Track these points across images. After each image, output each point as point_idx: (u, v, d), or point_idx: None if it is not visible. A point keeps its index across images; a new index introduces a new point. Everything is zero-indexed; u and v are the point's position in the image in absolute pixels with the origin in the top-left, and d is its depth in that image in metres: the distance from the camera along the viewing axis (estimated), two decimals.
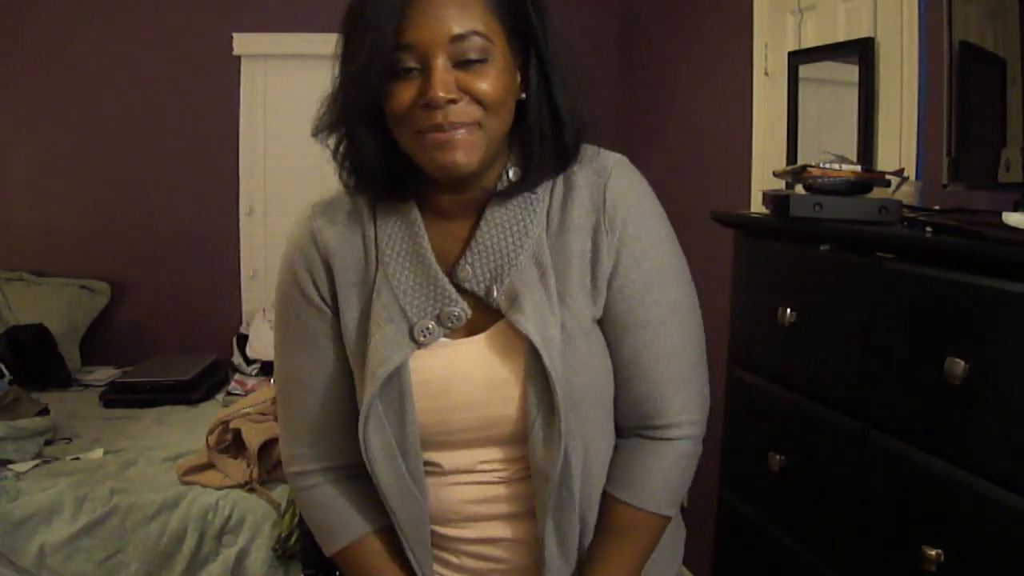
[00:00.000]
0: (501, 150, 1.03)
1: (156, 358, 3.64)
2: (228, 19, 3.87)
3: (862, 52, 2.00)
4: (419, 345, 1.03)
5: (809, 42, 2.29)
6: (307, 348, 1.09)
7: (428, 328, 1.02)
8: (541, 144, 1.02)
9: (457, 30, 0.93)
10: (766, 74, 2.51)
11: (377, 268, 1.04)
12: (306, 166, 3.85)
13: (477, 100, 0.95)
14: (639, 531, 1.07)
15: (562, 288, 1.02)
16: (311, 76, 3.94)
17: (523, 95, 1.02)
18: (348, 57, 0.98)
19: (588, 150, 1.06)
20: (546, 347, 0.98)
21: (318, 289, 1.07)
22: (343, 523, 1.11)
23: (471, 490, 1.08)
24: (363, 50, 0.94)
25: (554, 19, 1.01)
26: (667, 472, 1.07)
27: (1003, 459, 1.09)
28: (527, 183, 1.03)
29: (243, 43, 3.90)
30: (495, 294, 1.02)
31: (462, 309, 1.03)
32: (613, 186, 1.04)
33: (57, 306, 3.70)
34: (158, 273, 3.94)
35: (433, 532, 1.09)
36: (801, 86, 2.29)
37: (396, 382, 1.02)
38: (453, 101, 0.93)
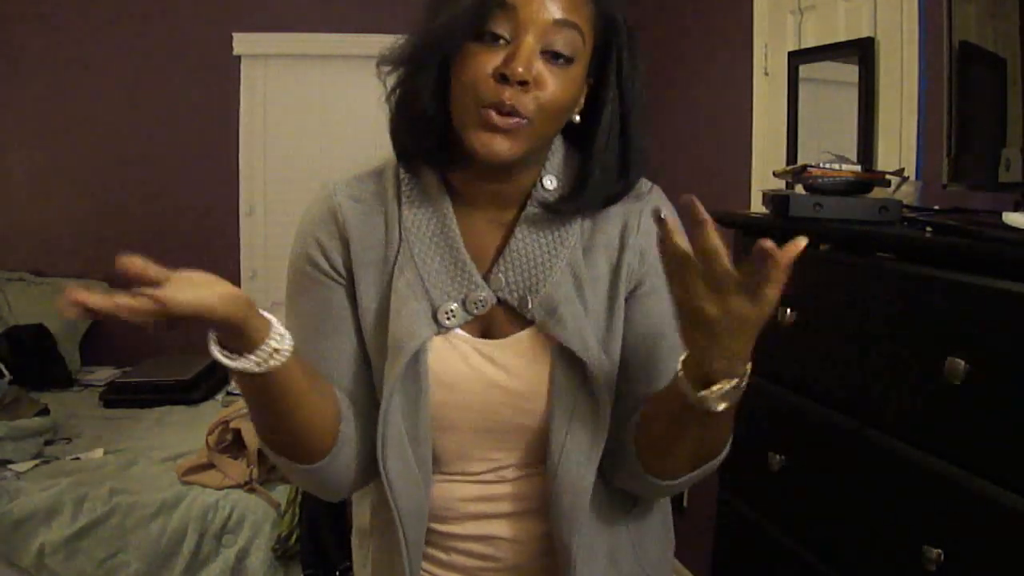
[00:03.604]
0: (542, 155, 1.02)
1: (156, 358, 3.64)
2: (228, 19, 3.87)
3: (862, 52, 2.00)
4: (440, 328, 1.00)
5: (809, 42, 2.29)
6: (317, 331, 1.03)
7: (451, 311, 1.00)
8: (602, 175, 1.00)
9: (561, 15, 0.92)
10: (766, 74, 2.51)
11: (399, 248, 1.01)
12: (306, 166, 3.88)
13: (543, 97, 0.93)
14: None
15: (591, 302, 1.01)
16: (311, 76, 3.95)
17: (576, 118, 1.00)
18: (443, 5, 0.94)
19: None
20: (592, 363, 0.97)
21: (331, 262, 1.03)
22: None
23: (472, 488, 1.07)
24: (461, 1, 0.92)
25: (643, 60, 1.01)
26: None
27: (1003, 459, 1.09)
28: (573, 206, 1.01)
29: (243, 43, 3.90)
30: (530, 305, 1.00)
31: (488, 295, 1.00)
32: (650, 211, 1.02)
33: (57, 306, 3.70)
34: None
35: (427, 528, 1.07)
36: (801, 86, 2.29)
37: (413, 368, 0.99)
38: (525, 84, 0.91)
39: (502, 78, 0.91)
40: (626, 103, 1.00)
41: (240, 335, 0.86)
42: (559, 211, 1.01)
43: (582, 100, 1.00)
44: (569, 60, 0.94)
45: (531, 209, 1.02)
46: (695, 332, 0.85)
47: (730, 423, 0.95)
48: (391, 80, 0.99)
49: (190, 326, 0.82)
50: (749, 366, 0.85)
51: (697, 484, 1.07)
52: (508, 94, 0.90)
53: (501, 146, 0.93)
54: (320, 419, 0.98)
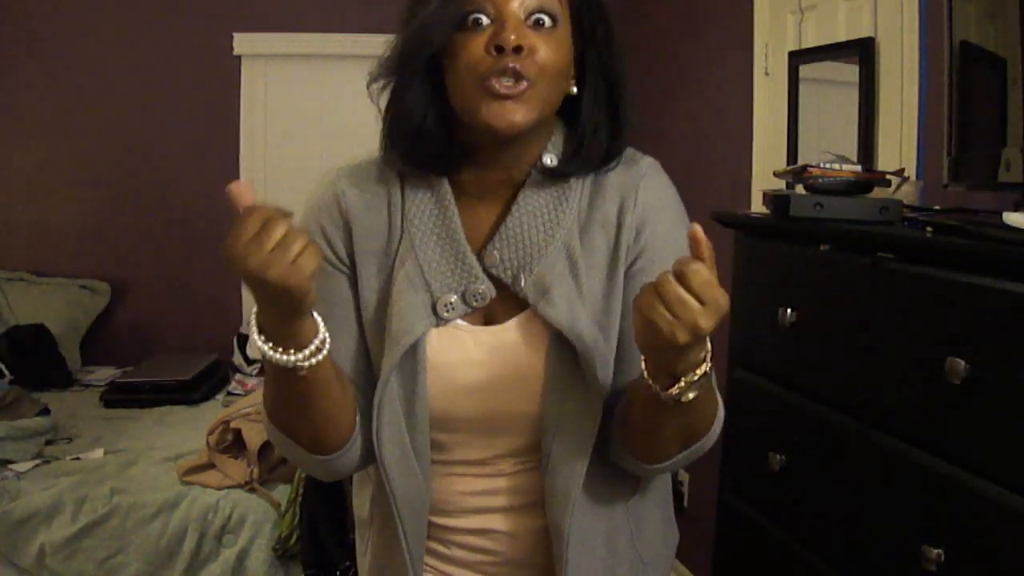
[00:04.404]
0: (543, 131, 1.03)
1: (156, 358, 3.64)
2: (228, 19, 3.87)
3: (862, 52, 2.00)
4: (440, 320, 1.01)
5: (809, 42, 2.29)
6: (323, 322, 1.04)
7: (451, 303, 1.01)
8: (592, 139, 1.02)
9: None
10: (766, 74, 2.51)
11: (401, 238, 1.02)
12: (306, 166, 3.87)
13: (540, 61, 0.95)
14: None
15: (586, 283, 1.01)
16: (311, 76, 3.96)
17: (573, 88, 1.02)
18: (418, 5, 0.97)
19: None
20: (581, 344, 0.98)
21: (334, 249, 1.04)
22: None
23: (472, 481, 1.07)
24: None
25: (619, 32, 1.03)
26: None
27: (1003, 459, 1.09)
28: (566, 174, 1.02)
29: (243, 43, 3.90)
30: (522, 283, 1.00)
31: (487, 287, 1.01)
32: (647, 188, 1.04)
33: (57, 306, 3.70)
34: (158, 273, 3.94)
35: (427, 521, 1.08)
36: (801, 86, 2.29)
37: (410, 358, 1.00)
38: (520, 49, 0.93)
39: (497, 49, 0.93)
40: (607, 65, 1.02)
41: (293, 327, 0.87)
42: (557, 174, 1.02)
43: (573, 71, 1.02)
44: (553, 22, 0.97)
45: (530, 185, 1.03)
46: (650, 355, 0.87)
47: (712, 403, 0.96)
48: (383, 99, 1.01)
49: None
50: (708, 348, 0.86)
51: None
52: (510, 59, 0.93)
53: (514, 114, 0.94)
54: (342, 411, 0.99)
